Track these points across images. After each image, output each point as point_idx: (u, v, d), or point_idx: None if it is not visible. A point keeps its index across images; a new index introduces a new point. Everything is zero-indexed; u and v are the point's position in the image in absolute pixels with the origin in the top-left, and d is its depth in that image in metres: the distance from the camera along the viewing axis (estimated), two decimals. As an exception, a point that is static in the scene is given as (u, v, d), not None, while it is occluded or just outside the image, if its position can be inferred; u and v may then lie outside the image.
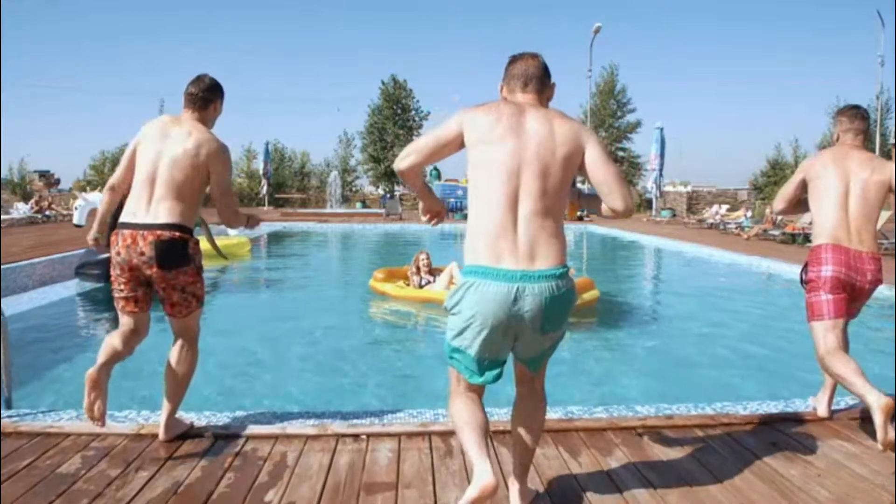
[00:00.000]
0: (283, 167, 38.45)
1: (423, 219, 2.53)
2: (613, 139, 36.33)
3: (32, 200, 23.77)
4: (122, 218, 2.85)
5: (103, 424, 2.94)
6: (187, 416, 3.40)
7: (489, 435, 2.60)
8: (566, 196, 2.26)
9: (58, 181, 36.44)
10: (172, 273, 2.85)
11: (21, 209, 21.76)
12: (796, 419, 3.53)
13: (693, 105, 66.49)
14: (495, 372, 2.25)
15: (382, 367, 5.32)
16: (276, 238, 18.91)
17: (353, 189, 38.97)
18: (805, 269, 3.31)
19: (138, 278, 2.87)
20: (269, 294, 9.33)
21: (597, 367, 5.44)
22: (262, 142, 33.37)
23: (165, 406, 3.06)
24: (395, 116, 36.53)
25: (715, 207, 22.99)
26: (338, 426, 3.28)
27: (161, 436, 3.07)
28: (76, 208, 11.07)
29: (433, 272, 8.26)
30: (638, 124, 36.27)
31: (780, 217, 17.58)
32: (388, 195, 33.79)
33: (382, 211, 26.85)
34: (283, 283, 10.50)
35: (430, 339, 6.41)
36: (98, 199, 11.19)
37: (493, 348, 2.19)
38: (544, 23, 70.29)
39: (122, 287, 2.90)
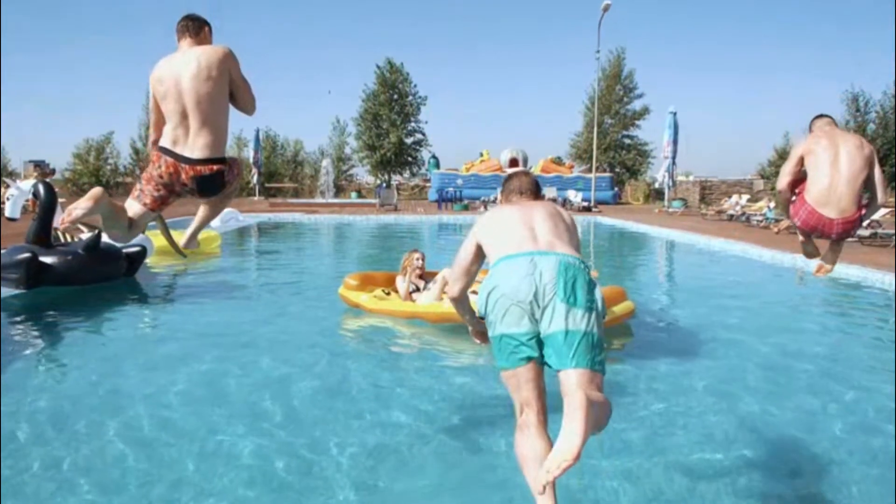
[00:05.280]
0: (275, 156, 36.74)
1: (476, 341, 2.88)
2: (621, 127, 34.68)
3: (-3, 190, 22.17)
4: (163, 143, 3.06)
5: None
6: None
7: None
8: (577, 239, 2.58)
9: (53, 171, 34.90)
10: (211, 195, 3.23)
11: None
12: None
13: (695, 94, 64.59)
14: (535, 342, 2.32)
15: (335, 443, 3.55)
16: (257, 231, 17.30)
17: (349, 178, 37.28)
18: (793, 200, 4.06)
19: (173, 191, 3.12)
20: (213, 310, 7.33)
21: (641, 422, 3.83)
22: (253, 129, 31.61)
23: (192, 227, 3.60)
24: (392, 102, 34.75)
25: (734, 198, 21.35)
26: None
27: (183, 242, 3.64)
28: (8, 198, 9.42)
29: (424, 277, 6.64)
30: (646, 111, 34.65)
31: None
32: (384, 185, 32.12)
33: (376, 201, 25.21)
34: (239, 290, 8.66)
35: (416, 383, 4.64)
36: (30, 185, 9.65)
37: (520, 321, 2.30)
38: (548, 11, 68.36)
39: (154, 191, 3.11)
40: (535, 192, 2.79)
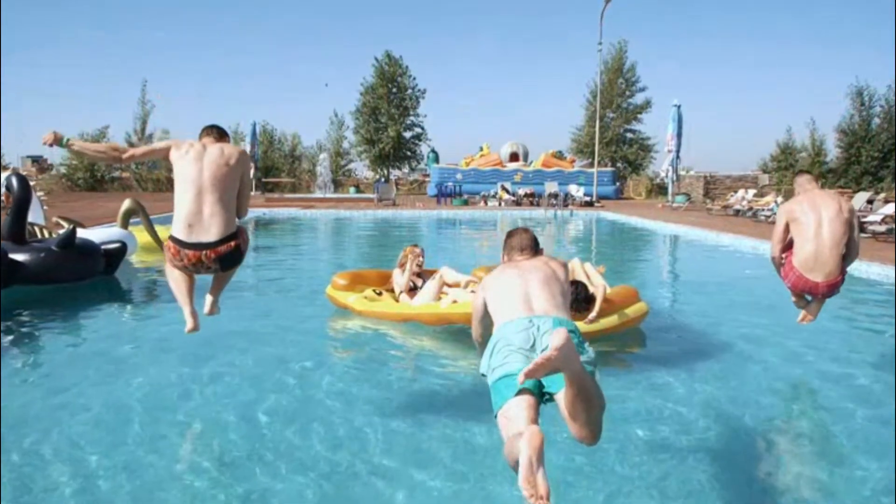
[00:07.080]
0: (272, 150, 36.19)
1: None
2: (623, 121, 34.16)
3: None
4: (177, 233, 3.41)
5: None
6: None
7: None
8: (569, 300, 2.87)
9: (51, 166, 34.46)
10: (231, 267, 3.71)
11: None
12: None
13: (696, 89, 64.07)
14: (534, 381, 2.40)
15: (311, 470, 3.19)
16: (253, 227, 16.84)
17: (347, 173, 36.76)
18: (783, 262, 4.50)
19: (198, 270, 3.57)
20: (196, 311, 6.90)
21: (659, 434, 3.38)
22: (250, 123, 30.97)
23: (210, 295, 3.98)
24: (390, 95, 34.22)
25: (741, 192, 20.85)
26: None
27: (206, 311, 3.95)
28: (-16, 193, 8.92)
29: (422, 275, 6.20)
30: (648, 105, 34.12)
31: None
32: (383, 179, 31.64)
33: (375, 196, 24.75)
34: (228, 289, 8.09)
35: (407, 396, 4.19)
36: (5, 177, 9.15)
37: (520, 359, 2.42)
38: (550, 4, 67.74)
39: (183, 268, 3.55)
40: (535, 248, 3.00)
